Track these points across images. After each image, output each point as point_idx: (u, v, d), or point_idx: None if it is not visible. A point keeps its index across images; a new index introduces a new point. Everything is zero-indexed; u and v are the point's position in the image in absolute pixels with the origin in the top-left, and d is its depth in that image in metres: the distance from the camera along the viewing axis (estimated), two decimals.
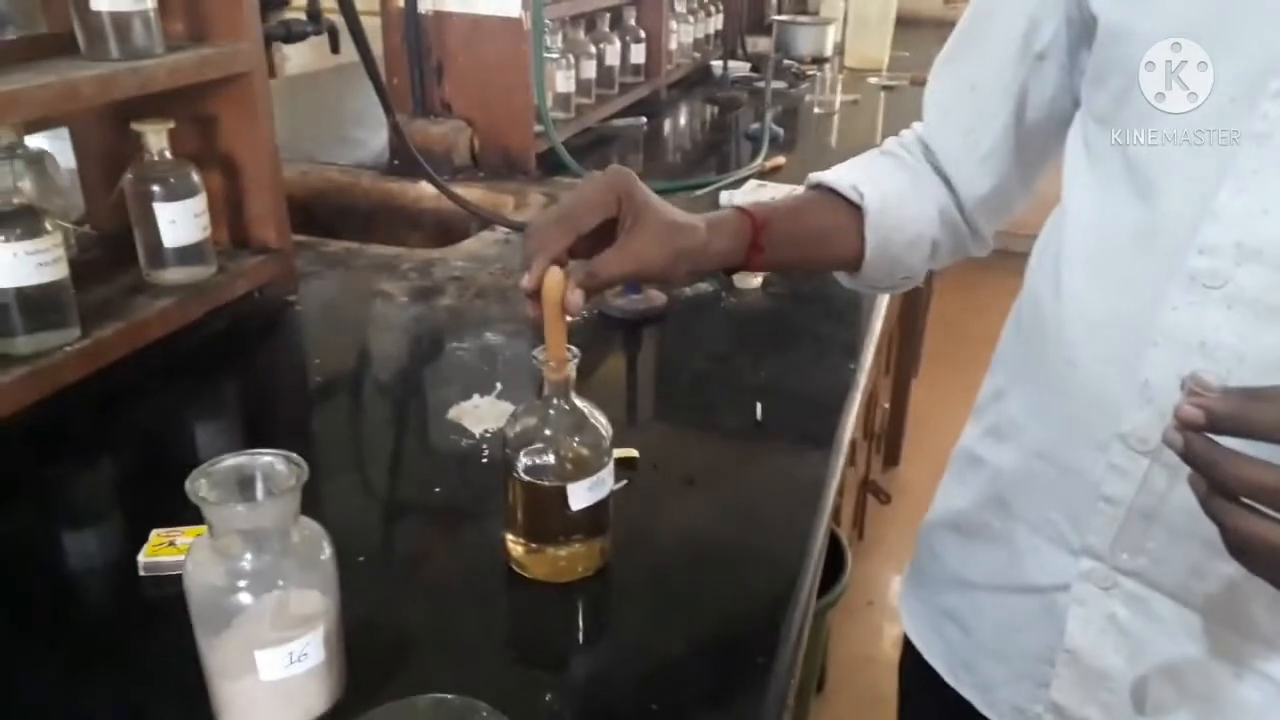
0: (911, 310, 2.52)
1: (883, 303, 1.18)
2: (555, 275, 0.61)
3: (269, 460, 0.54)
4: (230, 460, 0.54)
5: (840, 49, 2.84)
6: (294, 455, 0.54)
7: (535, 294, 0.62)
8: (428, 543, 0.73)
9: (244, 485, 0.54)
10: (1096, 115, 0.64)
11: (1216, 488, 0.45)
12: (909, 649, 0.85)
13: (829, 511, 0.78)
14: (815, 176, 0.77)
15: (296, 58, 3.37)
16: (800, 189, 0.79)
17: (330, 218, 1.57)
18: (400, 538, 0.74)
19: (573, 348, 0.65)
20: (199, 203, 0.99)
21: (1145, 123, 0.58)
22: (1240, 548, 0.46)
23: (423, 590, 0.68)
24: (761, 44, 2.84)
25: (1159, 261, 0.58)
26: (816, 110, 2.27)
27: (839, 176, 0.75)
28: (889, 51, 2.75)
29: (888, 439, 2.58)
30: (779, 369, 1.01)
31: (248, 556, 0.53)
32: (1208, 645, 0.62)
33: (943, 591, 0.80)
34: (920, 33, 3.05)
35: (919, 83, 2.48)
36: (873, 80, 2.60)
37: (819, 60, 2.75)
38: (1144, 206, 0.60)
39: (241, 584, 0.53)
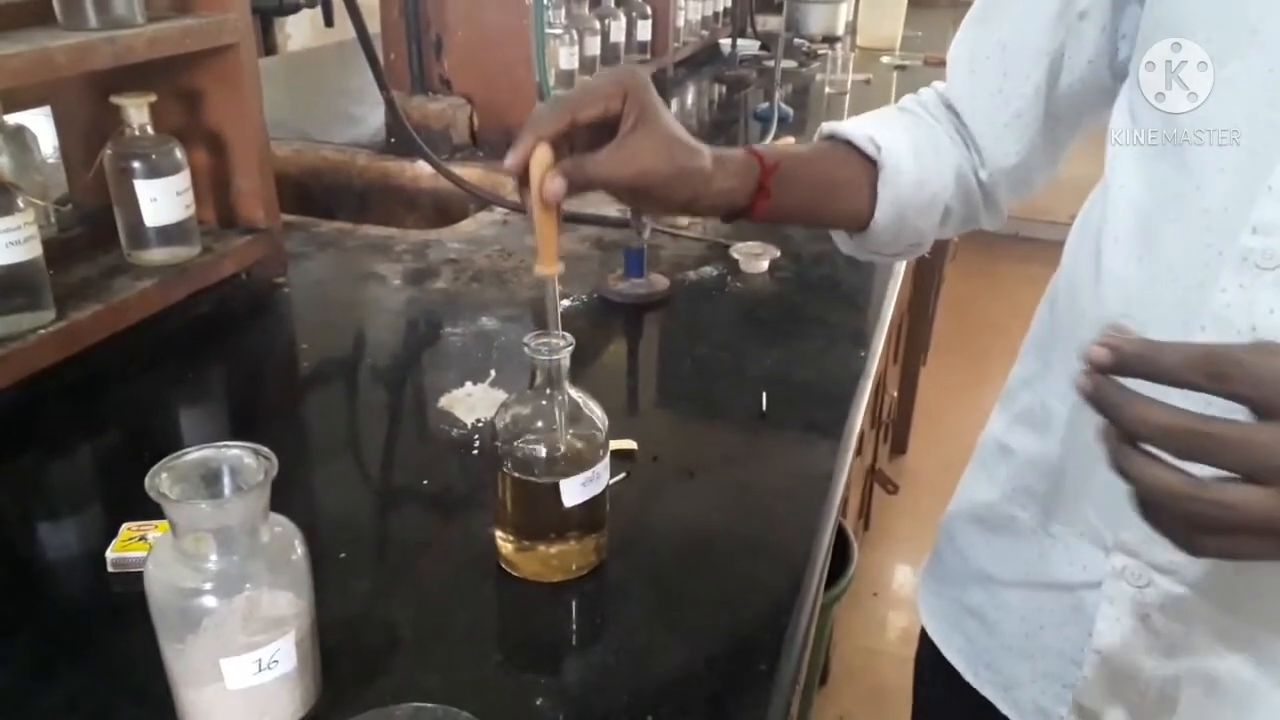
0: (921, 296, 2.47)
1: (894, 288, 1.14)
2: (543, 153, 0.56)
3: (236, 454, 0.50)
4: (194, 454, 0.50)
5: (852, 28, 2.79)
6: (263, 448, 0.50)
7: (521, 177, 0.57)
8: (414, 538, 0.69)
9: (209, 480, 0.50)
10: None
11: (1123, 436, 0.42)
12: (926, 644, 0.82)
13: (837, 507, 0.74)
14: (829, 126, 0.72)
15: (298, 35, 3.33)
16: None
17: (325, 198, 1.53)
18: (385, 533, 0.71)
19: (566, 334, 0.61)
20: (182, 180, 0.95)
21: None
22: (1144, 500, 0.42)
23: (407, 589, 0.64)
24: (771, 22, 2.79)
25: (1208, 240, 0.55)
26: (828, 90, 2.22)
27: (854, 127, 0.71)
28: (902, 30, 2.70)
29: (895, 427, 2.54)
30: (786, 357, 0.97)
31: (213, 557, 0.49)
32: (1246, 650, 0.58)
33: (964, 586, 0.77)
34: (934, 13, 3.00)
35: (932, 62, 2.43)
36: (885, 60, 2.55)
37: (830, 39, 2.69)
38: (1193, 181, 0.56)
39: (207, 586, 0.49)
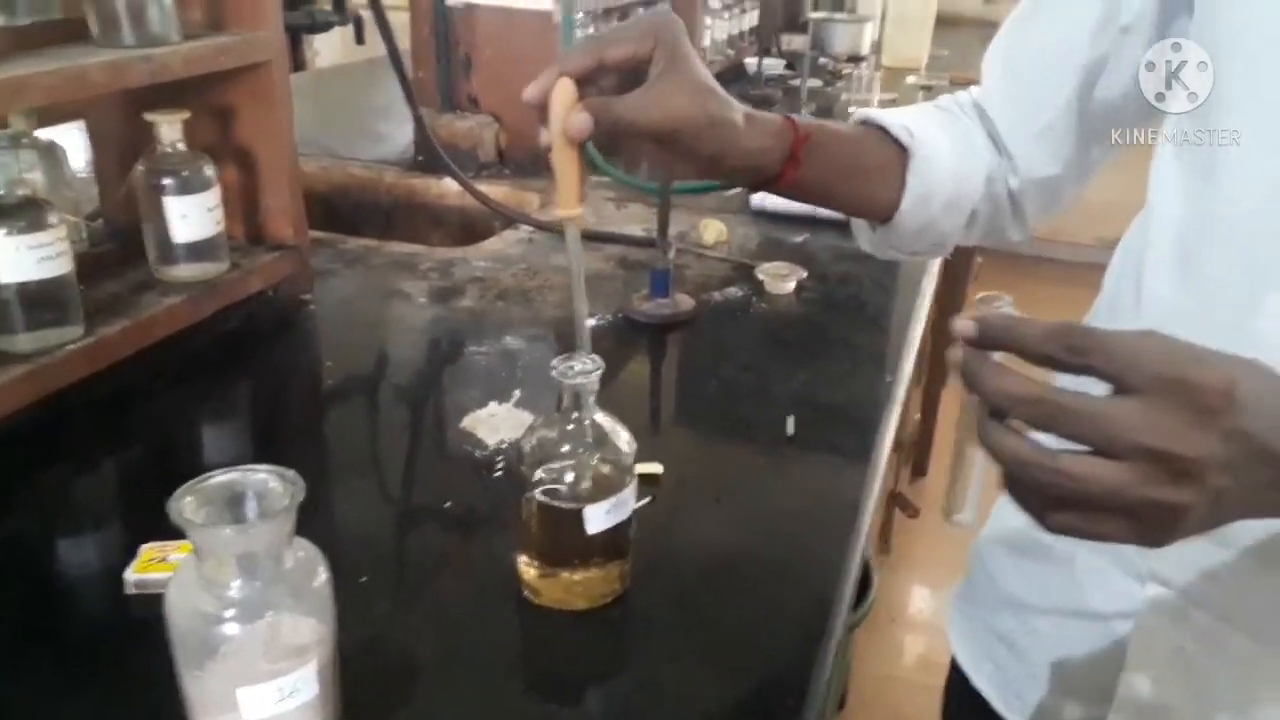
0: (945, 317, 2.45)
1: (921, 310, 1.12)
2: (565, 86, 0.53)
3: (262, 477, 0.50)
4: (219, 477, 0.50)
5: (878, 47, 2.78)
6: (289, 471, 0.50)
7: (541, 114, 0.55)
8: (435, 562, 0.69)
9: (234, 504, 0.50)
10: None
11: (988, 408, 0.42)
12: (955, 671, 0.80)
13: (864, 535, 0.73)
14: (864, 112, 0.71)
15: (327, 51, 3.36)
16: None
17: (352, 214, 1.54)
18: (406, 555, 0.70)
19: (595, 356, 0.61)
20: (212, 196, 0.96)
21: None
22: (1007, 476, 0.42)
23: (428, 614, 0.63)
24: (797, 41, 2.78)
25: (1255, 264, 0.53)
26: (853, 109, 2.21)
27: (890, 115, 0.69)
28: (928, 50, 2.68)
29: (916, 449, 2.51)
30: (812, 379, 0.96)
31: (235, 583, 0.48)
32: None
33: (995, 612, 0.75)
34: (960, 32, 2.98)
35: (959, 83, 2.41)
36: (911, 79, 2.54)
37: (856, 58, 2.69)
38: (1238, 202, 0.54)
39: (228, 613, 0.48)
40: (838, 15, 2.96)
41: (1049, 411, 0.39)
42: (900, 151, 0.68)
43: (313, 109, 2.16)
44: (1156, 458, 0.38)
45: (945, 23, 2.83)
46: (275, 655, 0.50)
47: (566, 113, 0.54)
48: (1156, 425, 0.38)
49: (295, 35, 3.15)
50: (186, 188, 0.94)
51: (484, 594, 0.65)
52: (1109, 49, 0.64)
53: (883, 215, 0.69)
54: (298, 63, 3.29)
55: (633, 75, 0.57)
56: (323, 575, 0.52)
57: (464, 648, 0.61)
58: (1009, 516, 0.75)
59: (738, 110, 0.60)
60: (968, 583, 0.81)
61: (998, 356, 0.42)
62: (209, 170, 0.95)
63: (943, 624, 0.84)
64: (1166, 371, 0.39)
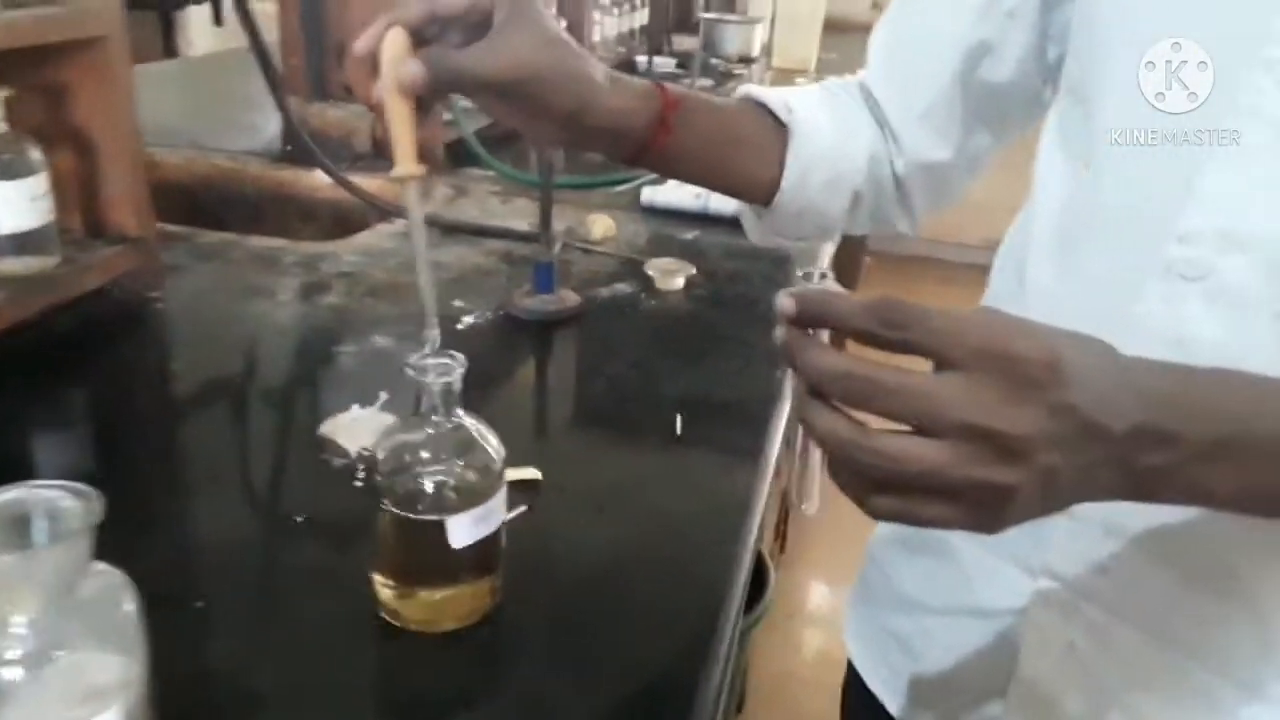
0: None
1: None
2: (396, 35, 0.50)
3: (51, 494, 0.43)
4: (0, 495, 0.42)
5: (768, 49, 2.78)
6: (85, 487, 0.43)
7: (373, 65, 0.52)
8: (283, 584, 0.62)
9: (20, 527, 0.42)
10: (1072, 89, 0.57)
11: (808, 387, 0.40)
12: (852, 673, 0.78)
13: (755, 536, 0.69)
14: (745, 88, 0.68)
15: (200, 40, 3.19)
16: None
17: (217, 209, 1.44)
18: (250, 577, 0.63)
19: (457, 354, 0.55)
20: (39, 183, 0.86)
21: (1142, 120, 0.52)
22: (827, 455, 0.40)
23: (273, 642, 0.56)
24: (688, 42, 2.77)
25: (1133, 251, 0.52)
26: None
27: (770, 92, 0.66)
28: (817, 53, 2.70)
29: None
30: (702, 377, 0.92)
31: (18, 619, 0.41)
32: (1179, 686, 0.55)
33: (888, 612, 0.73)
34: (848, 37, 3.01)
35: None
36: (800, 81, 2.54)
37: (746, 59, 2.68)
38: (1119, 191, 0.53)
39: (11, 655, 0.41)
40: (729, 16, 2.95)
41: (864, 388, 0.38)
42: (780, 129, 0.65)
43: (179, 98, 2.03)
44: (979, 435, 0.36)
45: (834, 27, 2.86)
46: (72, 701, 0.43)
47: (398, 63, 0.50)
48: (978, 401, 0.36)
49: (165, 19, 2.99)
50: (7, 172, 0.84)
51: (339, 618, 0.58)
52: (992, 33, 0.63)
53: (763, 195, 0.66)
54: (169, 50, 3.12)
55: (477, 30, 0.52)
56: (128, 605, 0.44)
57: (313, 679, 0.54)
58: None
59: (597, 67, 0.56)
60: (862, 581, 0.79)
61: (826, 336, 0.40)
62: (34, 153, 0.85)
63: (841, 619, 0.82)
64: (988, 345, 0.37)
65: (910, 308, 0.38)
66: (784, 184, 0.65)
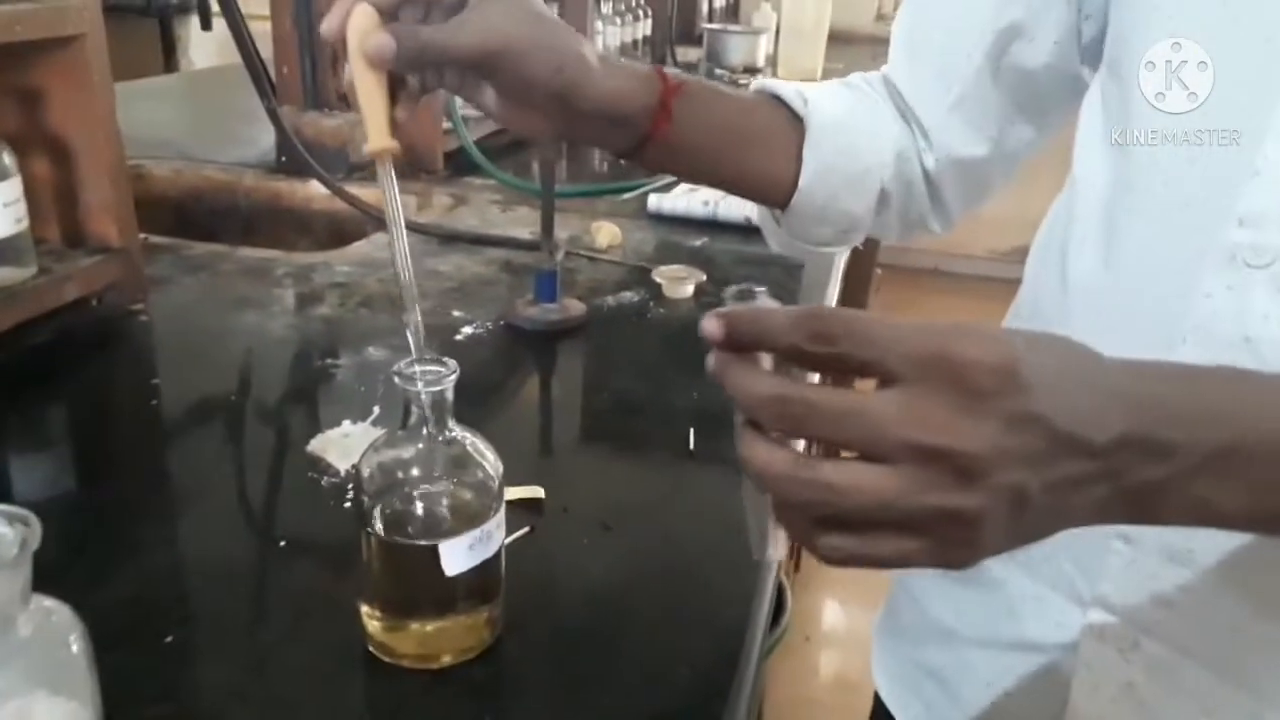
0: None
1: None
2: (363, 10, 0.49)
3: None
4: None
5: (773, 60, 2.74)
6: (21, 511, 0.37)
7: (341, 45, 0.50)
8: (263, 616, 0.56)
9: None
10: (1113, 63, 0.53)
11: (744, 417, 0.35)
12: (879, 707, 0.72)
13: (777, 563, 0.64)
14: (760, 81, 0.64)
15: (201, 59, 3.17)
16: None
17: (208, 221, 1.39)
18: (228, 608, 0.57)
19: (449, 360, 0.50)
20: (11, 188, 0.81)
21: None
22: (773, 498, 0.35)
23: (250, 680, 0.51)
24: (692, 53, 2.73)
25: (1189, 237, 0.47)
26: None
27: (783, 84, 0.62)
28: (823, 64, 2.66)
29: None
30: (715, 389, 0.85)
31: None
32: None
33: (922, 644, 0.68)
34: (853, 48, 2.99)
35: None
36: None
37: (751, 70, 2.64)
38: (1171, 171, 0.49)
39: None
40: (732, 27, 2.92)
41: (798, 411, 0.33)
42: (796, 123, 0.60)
43: (174, 111, 2.00)
44: (928, 456, 0.32)
45: (839, 38, 2.83)
46: None
47: (364, 35, 0.48)
48: (922, 417, 0.32)
49: (166, 35, 2.97)
50: None
51: (325, 652, 0.53)
52: (1023, 13, 0.58)
53: (780, 195, 0.62)
54: (170, 68, 3.10)
55: (456, 11, 0.50)
56: (76, 645, 0.39)
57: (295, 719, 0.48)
58: None
59: (587, 45, 0.53)
60: (889, 610, 0.73)
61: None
62: (5, 159, 0.81)
63: (859, 641, 0.76)
64: (929, 353, 0.32)
65: (841, 318, 0.33)
66: (802, 181, 0.60)
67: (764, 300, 0.37)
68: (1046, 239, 0.60)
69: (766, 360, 0.35)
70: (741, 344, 0.35)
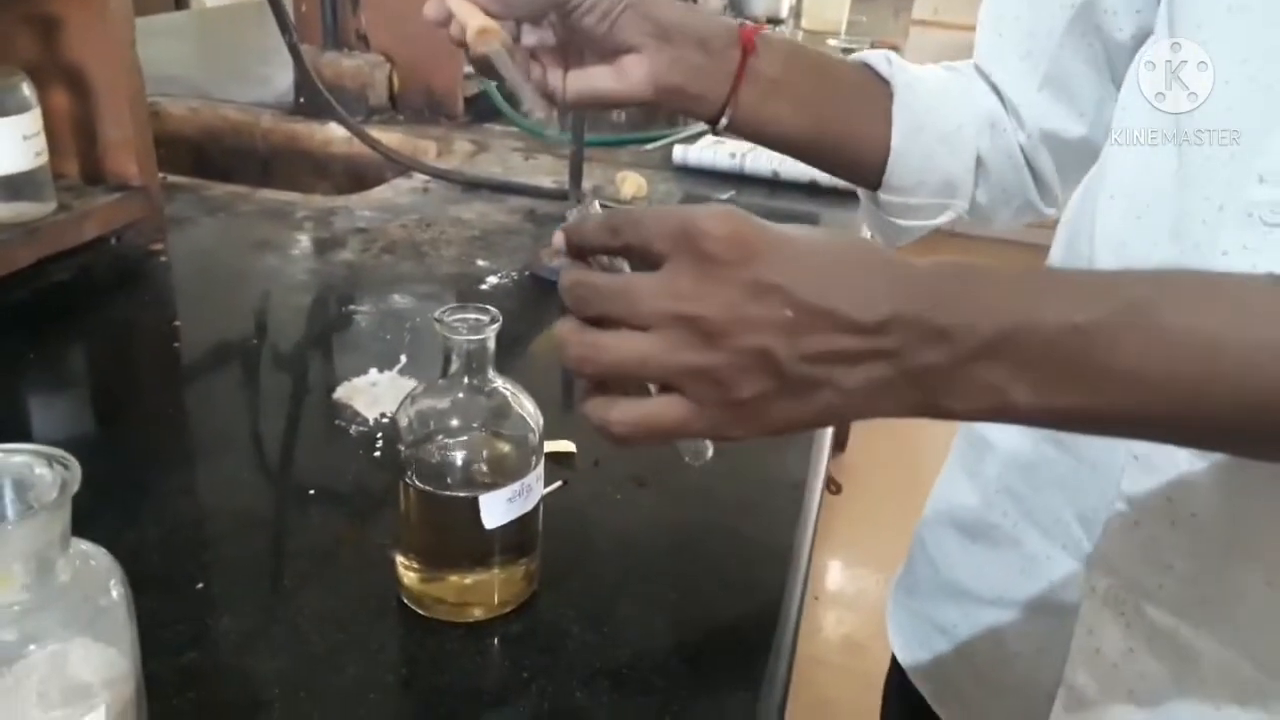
0: None
1: None
2: None
3: (22, 461, 0.36)
4: None
5: (797, 10, 2.69)
6: (60, 453, 0.36)
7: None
8: (294, 564, 0.56)
9: None
10: (1169, 21, 0.51)
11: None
12: (895, 667, 0.73)
13: (814, 520, 0.63)
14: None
15: None
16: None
17: (224, 161, 1.37)
18: (259, 557, 0.56)
19: (491, 308, 0.48)
20: (30, 121, 0.79)
21: None
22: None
23: (281, 631, 0.50)
24: (714, 3, 2.67)
25: (1206, 196, 0.46)
26: None
27: (869, 52, 0.62)
28: (848, 14, 2.61)
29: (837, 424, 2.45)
30: None
31: None
32: (1255, 704, 0.48)
33: (936, 602, 0.68)
34: (876, 2, 2.93)
35: (880, 46, 2.33)
36: (831, 43, 2.45)
37: (774, 21, 2.59)
38: (1195, 126, 0.47)
39: None
40: None
41: (585, 293, 0.38)
42: (882, 85, 0.59)
43: (189, 48, 1.96)
44: (676, 321, 0.36)
45: None
46: (51, 701, 0.36)
47: None
48: (673, 287, 0.36)
49: None
50: None
51: (355, 604, 0.52)
52: None
53: (873, 160, 0.60)
54: (179, 4, 3.04)
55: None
56: (115, 591, 0.38)
57: (325, 673, 0.48)
58: (954, 493, 0.67)
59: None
60: (908, 569, 0.73)
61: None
62: (25, 89, 0.79)
63: (867, 602, 0.76)
64: (677, 229, 0.36)
65: (627, 214, 0.38)
66: (895, 142, 0.59)
67: (595, 208, 0.41)
68: (1082, 196, 0.59)
69: (624, 265, 0.39)
70: (576, 250, 0.40)
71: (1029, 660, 0.59)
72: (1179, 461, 0.47)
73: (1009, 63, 0.61)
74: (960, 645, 0.64)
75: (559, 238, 0.40)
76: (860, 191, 0.65)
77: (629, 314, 0.36)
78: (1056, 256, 0.61)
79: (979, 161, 0.62)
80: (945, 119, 0.60)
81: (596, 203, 0.42)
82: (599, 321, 0.37)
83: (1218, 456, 0.46)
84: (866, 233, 0.68)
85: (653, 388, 0.38)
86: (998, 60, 0.62)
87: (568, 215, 0.41)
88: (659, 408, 0.37)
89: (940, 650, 0.67)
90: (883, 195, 0.62)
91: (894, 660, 0.73)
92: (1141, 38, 0.56)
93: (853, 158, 0.62)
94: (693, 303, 0.35)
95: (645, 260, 0.37)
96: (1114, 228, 0.52)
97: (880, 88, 0.60)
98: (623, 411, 0.38)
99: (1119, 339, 0.34)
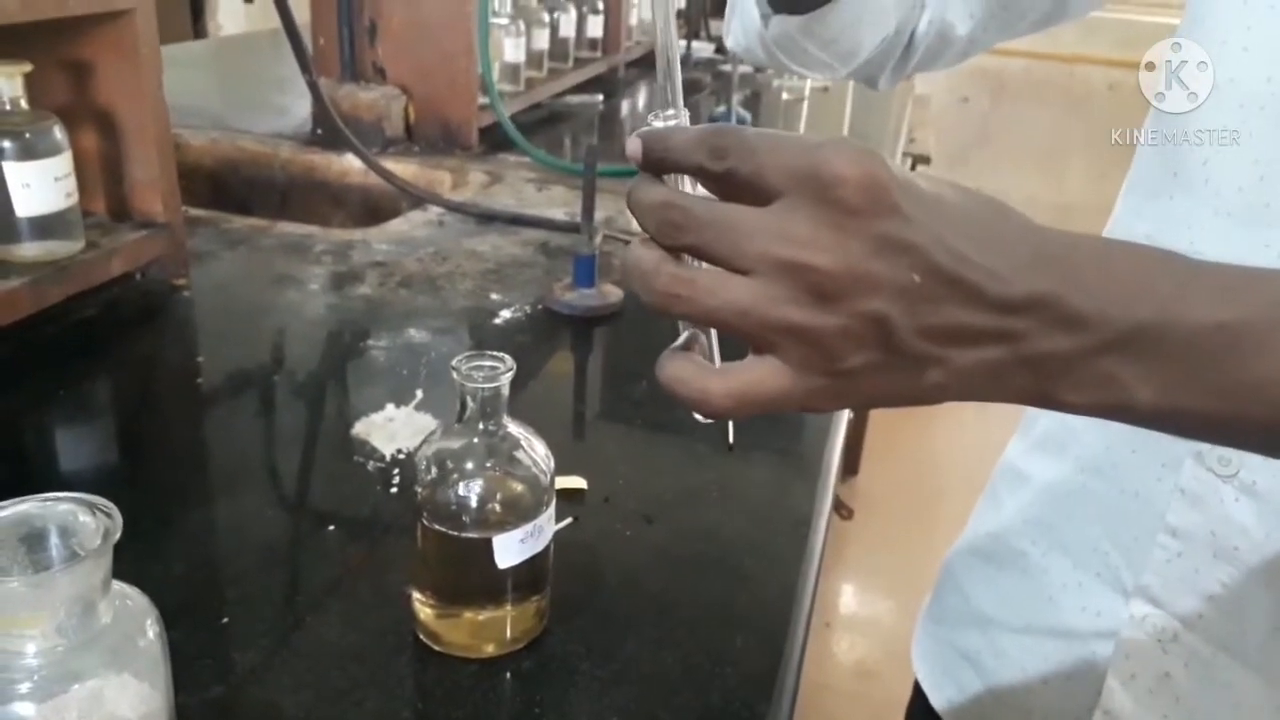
0: None
1: None
2: None
3: (66, 509, 0.39)
4: (9, 510, 0.38)
5: None
6: (102, 501, 0.38)
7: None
8: (314, 599, 0.58)
9: (31, 544, 0.38)
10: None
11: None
12: (918, 696, 0.73)
13: (819, 557, 0.65)
14: None
15: (230, 24, 3.16)
16: None
17: (243, 192, 1.40)
18: (280, 591, 0.59)
19: (505, 356, 0.51)
20: (62, 163, 0.82)
21: None
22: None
23: (302, 664, 0.52)
24: None
25: (1223, 238, 0.47)
26: (785, 96, 2.14)
27: None
28: None
29: (848, 447, 2.46)
30: None
31: (31, 649, 0.37)
32: None
33: (961, 630, 0.68)
34: None
35: None
36: None
37: None
38: (1225, 159, 0.48)
39: (24, 688, 0.37)
40: None
41: (676, 218, 0.32)
42: None
43: (207, 79, 2.00)
44: (787, 270, 0.31)
45: None
46: None
47: None
48: (786, 231, 0.31)
49: (195, 3, 2.97)
50: (29, 152, 0.80)
51: (372, 637, 0.54)
52: None
53: None
54: (198, 32, 3.10)
55: None
56: (152, 631, 0.40)
57: (345, 707, 0.50)
58: (986, 523, 0.68)
59: None
60: (935, 598, 0.74)
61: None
62: (57, 133, 0.82)
63: (879, 628, 0.77)
64: (799, 165, 0.31)
65: (735, 132, 0.32)
66: None
67: (683, 119, 0.36)
68: (1112, 223, 0.60)
69: (693, 187, 0.35)
70: (656, 164, 0.34)
71: (1058, 687, 0.59)
72: (1225, 498, 0.48)
73: None
74: (986, 673, 0.65)
75: (634, 144, 0.34)
76: (753, 5, 0.63)
77: (730, 252, 0.31)
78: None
79: (881, 42, 0.63)
80: None
81: (686, 116, 0.37)
82: (684, 253, 0.33)
83: (1261, 490, 0.47)
84: (734, 40, 0.67)
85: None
86: None
87: (650, 121, 0.36)
88: (761, 375, 0.32)
89: (965, 678, 0.67)
90: (788, 28, 0.61)
91: (915, 691, 0.74)
92: None
93: None
94: (810, 251, 0.30)
95: (749, 193, 0.32)
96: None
97: None
98: (725, 382, 0.33)
99: (1266, 341, 0.30)
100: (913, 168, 2.14)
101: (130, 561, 0.40)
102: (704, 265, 0.33)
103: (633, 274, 0.34)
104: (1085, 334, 0.31)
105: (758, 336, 0.32)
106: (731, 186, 0.32)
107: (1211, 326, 0.30)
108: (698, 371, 0.34)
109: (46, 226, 0.82)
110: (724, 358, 0.36)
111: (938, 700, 0.70)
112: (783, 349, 0.32)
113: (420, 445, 0.52)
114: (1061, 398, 0.32)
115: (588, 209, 0.97)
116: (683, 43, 2.32)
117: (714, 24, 2.63)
